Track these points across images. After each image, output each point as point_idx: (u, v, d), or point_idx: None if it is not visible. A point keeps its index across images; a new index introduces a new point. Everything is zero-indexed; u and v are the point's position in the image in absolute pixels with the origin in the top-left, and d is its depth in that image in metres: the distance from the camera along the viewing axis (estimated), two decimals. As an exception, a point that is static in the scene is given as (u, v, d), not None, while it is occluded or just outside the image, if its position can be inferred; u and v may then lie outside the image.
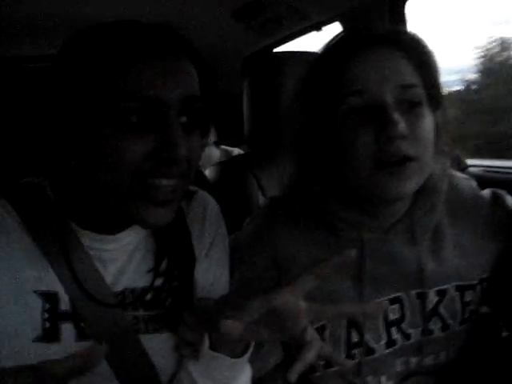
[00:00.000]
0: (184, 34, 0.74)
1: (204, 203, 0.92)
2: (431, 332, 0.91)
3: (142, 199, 0.70)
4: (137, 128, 0.67)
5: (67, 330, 0.75)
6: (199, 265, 0.87)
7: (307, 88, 0.91)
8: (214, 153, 2.35)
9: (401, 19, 1.59)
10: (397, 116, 0.78)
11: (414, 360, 0.92)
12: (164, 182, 0.70)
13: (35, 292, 0.74)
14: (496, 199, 0.97)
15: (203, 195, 0.94)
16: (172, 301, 0.83)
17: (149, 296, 0.81)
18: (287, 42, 2.09)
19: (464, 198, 0.97)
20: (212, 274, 0.89)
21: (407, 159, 0.79)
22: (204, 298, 0.84)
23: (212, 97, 0.80)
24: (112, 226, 0.79)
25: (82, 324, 0.76)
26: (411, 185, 0.81)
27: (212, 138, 2.32)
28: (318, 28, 1.88)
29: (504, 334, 1.01)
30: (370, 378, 0.91)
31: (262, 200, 1.45)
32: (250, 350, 0.77)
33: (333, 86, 0.84)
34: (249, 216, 1.03)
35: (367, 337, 0.89)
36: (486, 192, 0.99)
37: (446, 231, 0.93)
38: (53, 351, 0.72)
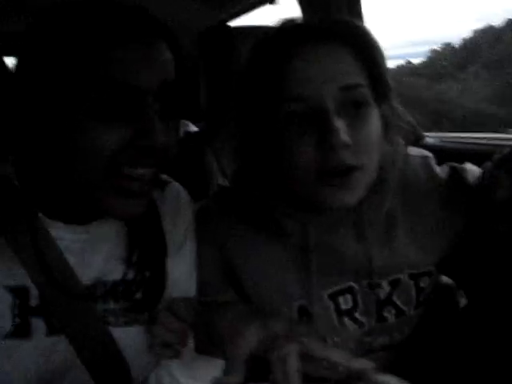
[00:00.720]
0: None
1: (177, 195, 0.91)
2: (385, 319, 0.90)
3: (115, 190, 0.69)
4: (111, 116, 0.65)
5: (38, 325, 0.73)
6: (171, 258, 0.85)
7: (246, 85, 0.85)
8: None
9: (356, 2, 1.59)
10: (339, 123, 0.73)
11: (367, 340, 0.92)
12: (140, 171, 0.69)
13: (5, 287, 0.71)
14: (453, 176, 0.93)
15: (176, 186, 0.93)
16: (143, 293, 0.81)
17: (120, 288, 0.79)
18: (242, 15, 2.07)
19: (418, 181, 0.93)
20: (186, 270, 0.88)
21: (351, 169, 0.76)
22: (178, 298, 0.83)
23: (188, 82, 0.79)
24: (83, 216, 0.77)
25: (52, 318, 0.74)
26: (356, 195, 0.78)
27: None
28: (272, 1, 1.87)
29: (462, 302, 1.02)
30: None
31: (220, 176, 1.45)
32: None
33: (271, 89, 0.79)
34: (207, 192, 1.03)
35: (319, 327, 0.88)
36: (443, 169, 0.96)
37: (398, 220, 0.91)
38: (24, 347, 0.71)
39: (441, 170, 0.95)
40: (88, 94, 0.64)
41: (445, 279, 1.01)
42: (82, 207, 0.75)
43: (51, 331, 0.74)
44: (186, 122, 2.29)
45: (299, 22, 0.84)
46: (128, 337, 0.79)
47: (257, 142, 0.85)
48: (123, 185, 0.68)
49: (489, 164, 0.89)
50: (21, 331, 0.71)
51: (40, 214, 0.75)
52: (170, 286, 0.85)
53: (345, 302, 0.90)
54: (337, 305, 0.89)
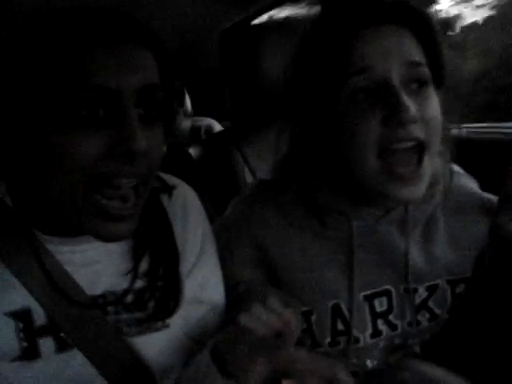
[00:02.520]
0: (158, 10, 0.71)
1: (184, 197, 0.87)
2: (418, 323, 0.90)
3: (97, 213, 0.65)
4: (89, 122, 0.62)
5: (46, 344, 0.70)
6: (189, 264, 0.83)
7: (302, 69, 0.84)
8: (184, 125, 2.28)
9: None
10: (406, 98, 0.72)
11: (397, 340, 0.91)
12: (124, 181, 0.65)
13: (6, 314, 0.69)
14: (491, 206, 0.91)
15: (183, 189, 0.89)
16: (156, 303, 0.78)
17: (130, 298, 0.77)
18: (264, 13, 2.06)
19: (461, 192, 0.94)
20: (209, 274, 0.86)
21: (421, 147, 0.75)
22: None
23: (172, 87, 0.76)
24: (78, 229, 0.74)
25: (61, 335, 0.71)
26: (424, 185, 0.77)
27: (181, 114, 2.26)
28: (294, -2, 1.85)
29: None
30: (355, 361, 0.90)
31: (248, 175, 1.45)
32: None
33: (335, 65, 0.77)
34: (236, 193, 1.02)
35: (352, 326, 0.88)
36: (487, 195, 0.95)
37: (439, 223, 0.91)
38: (34, 368, 0.69)
39: (485, 195, 0.96)
40: (66, 100, 0.61)
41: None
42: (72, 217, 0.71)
43: (61, 348, 0.71)
44: (211, 120, 2.29)
45: (363, 2, 0.83)
46: (144, 345, 0.77)
47: (312, 127, 0.84)
48: (104, 205, 0.65)
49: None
50: (29, 354, 0.69)
51: (35, 231, 0.72)
52: (195, 292, 0.84)
53: (380, 305, 0.89)
54: (372, 307, 0.88)
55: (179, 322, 0.81)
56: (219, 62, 1.68)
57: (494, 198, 0.93)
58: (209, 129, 2.26)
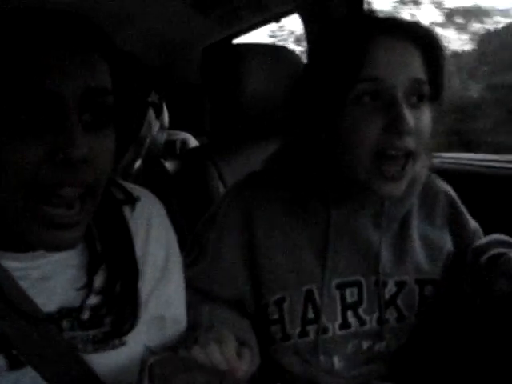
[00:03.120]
0: (142, 24, 0.68)
1: (149, 210, 0.84)
2: (387, 321, 0.94)
3: (40, 221, 0.62)
4: (28, 128, 0.58)
5: None
6: (145, 280, 0.80)
7: (315, 70, 0.91)
8: (159, 137, 2.27)
9: (359, 11, 1.60)
10: (407, 111, 0.79)
11: (365, 344, 0.94)
12: (67, 189, 0.61)
13: None
14: (448, 194, 1.02)
15: (149, 201, 0.85)
16: (113, 319, 0.74)
17: (86, 314, 0.73)
18: (246, 33, 2.09)
19: (433, 191, 1.00)
20: (174, 292, 0.85)
21: (409, 155, 0.81)
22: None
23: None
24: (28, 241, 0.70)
25: (13, 352, 0.68)
26: (404, 185, 0.84)
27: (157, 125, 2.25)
28: (276, 19, 1.88)
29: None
30: (322, 358, 0.93)
31: (223, 191, 1.45)
32: None
33: (347, 69, 0.82)
34: (210, 207, 1.03)
35: (323, 314, 0.91)
36: (444, 185, 1.04)
37: (413, 223, 0.96)
38: None
39: (444, 186, 1.03)
40: (3, 104, 0.58)
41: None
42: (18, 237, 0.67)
43: (13, 366, 0.68)
44: (187, 135, 2.29)
45: (377, 15, 0.90)
46: (101, 362, 0.73)
47: (316, 124, 0.89)
48: (47, 213, 0.61)
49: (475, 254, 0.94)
50: None
51: None
52: (159, 310, 0.82)
53: (351, 295, 0.93)
54: (343, 296, 0.92)
55: (138, 339, 0.78)
56: (200, 77, 1.69)
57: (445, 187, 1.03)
58: (184, 143, 2.25)
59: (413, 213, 0.97)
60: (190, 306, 0.88)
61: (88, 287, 0.73)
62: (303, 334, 0.92)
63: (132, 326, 0.76)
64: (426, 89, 0.83)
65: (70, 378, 0.71)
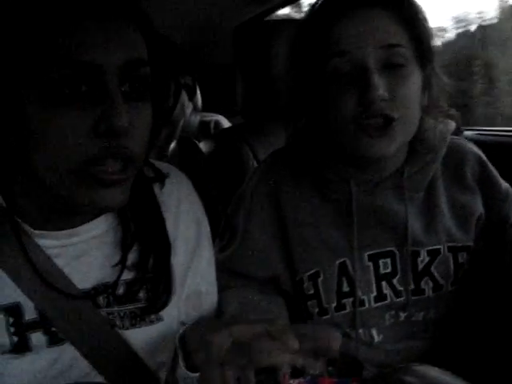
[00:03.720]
0: (173, 5, 0.68)
1: (179, 188, 0.85)
2: (422, 292, 0.93)
3: (90, 182, 0.63)
4: (72, 100, 0.59)
5: (37, 338, 0.70)
6: (177, 256, 0.81)
7: (295, 50, 0.93)
8: (192, 119, 2.27)
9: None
10: (377, 79, 0.80)
11: (402, 315, 0.94)
12: (110, 161, 0.62)
13: None
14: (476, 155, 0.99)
15: (178, 178, 0.86)
16: (148, 294, 0.76)
17: (121, 290, 0.75)
18: (278, 10, 2.06)
19: (460, 155, 0.98)
20: (201, 267, 0.85)
21: (389, 120, 0.81)
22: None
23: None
24: (71, 220, 0.73)
25: (52, 328, 0.70)
26: (394, 145, 0.84)
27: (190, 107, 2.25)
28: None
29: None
30: (361, 331, 0.93)
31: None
32: None
33: (318, 48, 0.85)
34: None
35: (358, 287, 0.91)
36: (473, 148, 1.01)
37: (440, 190, 0.95)
38: (25, 361, 0.69)
39: (477, 153, 1.00)
40: (47, 77, 0.58)
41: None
42: (68, 209, 0.70)
43: (53, 342, 0.71)
44: (220, 116, 2.29)
45: None
46: (137, 338, 0.75)
47: (305, 101, 0.92)
48: (95, 174, 0.62)
49: None
50: (20, 348, 0.69)
51: (25, 226, 0.70)
52: (196, 285, 0.84)
53: (384, 266, 0.93)
54: (376, 267, 0.93)
55: (174, 314, 0.80)
56: (232, 57, 1.68)
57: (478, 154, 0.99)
58: (218, 125, 2.26)
59: (438, 179, 0.96)
60: (220, 291, 0.89)
61: (122, 263, 0.75)
62: (340, 307, 0.92)
63: (166, 301, 0.78)
64: (404, 52, 0.83)
65: (109, 354, 0.73)
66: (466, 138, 1.06)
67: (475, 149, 1.00)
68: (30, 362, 0.69)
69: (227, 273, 0.95)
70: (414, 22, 0.85)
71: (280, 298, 0.96)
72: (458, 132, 0.99)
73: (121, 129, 0.60)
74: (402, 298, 0.93)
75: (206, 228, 0.88)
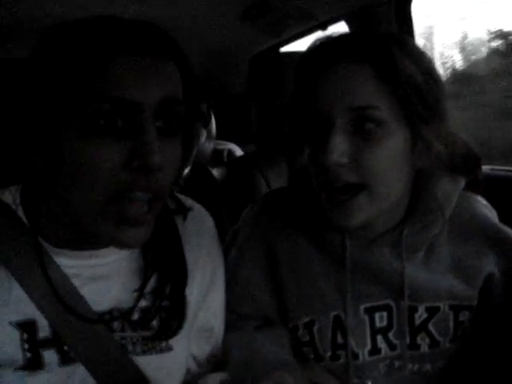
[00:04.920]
0: (190, 33, 0.70)
1: (200, 221, 0.87)
2: (418, 346, 0.89)
3: (115, 218, 0.64)
4: (107, 132, 0.61)
5: (50, 356, 0.70)
6: (193, 287, 0.82)
7: (292, 98, 0.90)
8: (206, 147, 2.30)
9: (407, 18, 1.59)
10: (337, 142, 0.77)
11: (397, 363, 0.91)
12: (139, 194, 0.64)
13: (11, 323, 0.69)
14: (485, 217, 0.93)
15: (200, 213, 0.89)
16: (161, 322, 0.78)
17: (136, 316, 0.76)
18: (293, 41, 2.09)
19: (467, 214, 0.92)
20: (214, 303, 0.87)
21: (352, 187, 0.78)
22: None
23: (196, 102, 0.75)
24: (91, 243, 0.73)
25: (65, 348, 0.71)
26: (360, 217, 0.80)
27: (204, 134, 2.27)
28: (323, 27, 1.88)
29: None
30: (356, 381, 0.90)
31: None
32: None
33: (304, 100, 0.83)
34: None
35: (352, 341, 0.89)
36: (482, 208, 0.95)
37: (442, 248, 0.90)
38: (37, 378, 0.69)
39: (491, 215, 0.94)
40: (85, 110, 0.60)
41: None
42: (88, 234, 0.70)
43: (64, 361, 0.71)
44: (233, 145, 2.31)
45: (327, 40, 0.85)
46: (148, 364, 0.76)
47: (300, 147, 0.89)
48: (124, 212, 0.64)
49: None
50: (33, 364, 0.69)
51: (44, 243, 0.72)
52: (208, 320, 0.85)
53: (380, 320, 0.90)
54: (372, 321, 0.89)
55: (184, 345, 0.81)
56: (247, 86, 1.71)
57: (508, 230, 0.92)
58: (231, 153, 2.28)
59: (442, 236, 0.90)
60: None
61: (141, 290, 0.76)
62: (334, 357, 0.90)
63: (177, 330, 0.78)
64: (377, 114, 0.77)
65: (119, 378, 0.73)
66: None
67: (484, 209, 0.94)
68: (43, 381, 0.69)
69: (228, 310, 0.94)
70: (396, 78, 0.77)
71: (285, 338, 0.93)
72: (475, 188, 0.94)
73: (154, 166, 0.61)
74: (396, 352, 0.90)
75: (221, 265, 0.90)
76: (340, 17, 1.73)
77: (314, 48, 0.85)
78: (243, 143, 2.39)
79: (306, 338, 0.91)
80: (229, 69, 2.32)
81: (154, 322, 0.77)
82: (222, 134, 2.28)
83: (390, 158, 0.79)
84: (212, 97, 1.86)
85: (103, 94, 0.60)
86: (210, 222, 0.90)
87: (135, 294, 0.76)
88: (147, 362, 0.76)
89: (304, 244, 0.92)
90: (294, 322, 0.91)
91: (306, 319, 0.90)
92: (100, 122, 0.60)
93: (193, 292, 0.82)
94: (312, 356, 0.92)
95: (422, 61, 0.81)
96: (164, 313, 0.78)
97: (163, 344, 0.78)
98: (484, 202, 0.96)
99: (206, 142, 2.17)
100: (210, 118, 1.96)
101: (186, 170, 1.60)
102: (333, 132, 0.77)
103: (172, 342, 0.78)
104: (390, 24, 1.56)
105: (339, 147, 0.77)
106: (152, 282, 0.78)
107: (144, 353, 0.76)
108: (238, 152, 2.30)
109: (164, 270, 0.78)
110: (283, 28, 1.87)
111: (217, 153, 2.22)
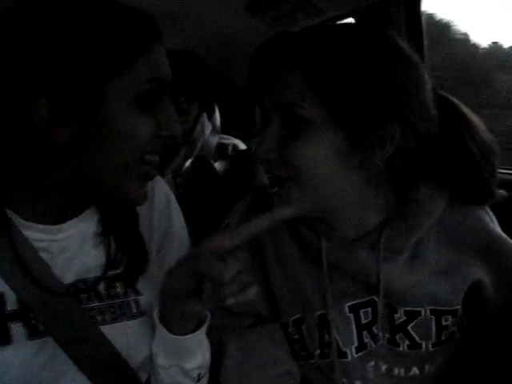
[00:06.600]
0: (196, 25, 0.76)
1: (152, 185, 0.87)
2: (397, 344, 0.90)
3: (138, 176, 0.73)
4: (145, 107, 0.70)
5: (17, 329, 0.71)
6: (154, 241, 0.87)
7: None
8: (211, 140, 2.29)
9: (416, 14, 1.58)
10: (268, 136, 0.80)
11: (383, 367, 0.91)
12: (157, 157, 0.74)
13: None
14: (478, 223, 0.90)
15: (155, 181, 0.88)
16: (125, 289, 0.81)
17: (101, 286, 0.79)
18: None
19: (458, 219, 0.89)
20: (173, 246, 0.90)
21: (281, 180, 0.82)
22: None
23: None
24: (58, 216, 0.76)
25: (32, 321, 0.72)
26: (291, 209, 0.82)
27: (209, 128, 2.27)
28: (332, 23, 1.87)
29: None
30: (344, 380, 0.91)
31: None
32: (205, 327, 0.78)
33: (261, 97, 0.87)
34: None
35: (339, 339, 0.89)
36: (475, 214, 0.91)
37: (428, 252, 0.88)
38: (6, 353, 0.69)
39: (492, 225, 0.91)
40: (135, 88, 0.68)
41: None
42: (58, 205, 0.75)
43: (32, 334, 0.72)
44: (238, 141, 2.31)
45: (272, 38, 0.88)
46: (117, 332, 0.78)
47: None
48: (144, 170, 0.73)
49: None
50: (1, 338, 0.70)
51: (13, 216, 0.73)
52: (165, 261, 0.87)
53: (365, 316, 0.90)
54: (357, 318, 0.90)
55: (153, 293, 0.81)
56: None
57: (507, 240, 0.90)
58: (236, 148, 2.27)
59: (428, 240, 0.88)
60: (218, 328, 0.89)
61: (106, 259, 0.80)
62: (323, 355, 0.90)
63: (141, 270, 0.83)
64: (302, 112, 0.78)
65: (89, 349, 0.75)
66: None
67: (476, 215, 0.90)
68: (13, 354, 0.70)
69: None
70: (325, 80, 0.77)
71: (278, 335, 0.93)
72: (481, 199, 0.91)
73: (178, 136, 0.74)
74: (379, 343, 0.90)
75: (179, 221, 0.94)
76: (348, 13, 1.73)
77: (260, 45, 0.89)
78: (247, 137, 2.38)
79: (296, 336, 0.92)
80: (232, 61, 2.31)
81: (120, 291, 0.80)
82: (227, 128, 2.28)
83: (318, 157, 0.79)
84: (216, 89, 1.85)
85: (147, 75, 0.69)
86: (165, 193, 0.93)
87: (99, 264, 0.79)
88: (117, 331, 0.78)
89: (289, 243, 0.92)
90: (284, 318, 0.92)
91: (295, 316, 0.91)
92: (147, 100, 0.69)
93: (153, 246, 0.87)
94: (303, 353, 0.92)
95: (371, 64, 0.77)
96: (127, 280, 0.82)
97: (132, 310, 0.80)
98: (486, 209, 0.93)
99: (211, 135, 2.16)
100: (214, 109, 1.95)
101: (188, 163, 1.60)
102: (266, 127, 0.82)
103: (140, 286, 0.82)
104: (398, 22, 1.55)
105: (268, 143, 0.81)
106: (114, 251, 0.81)
107: (114, 320, 0.78)
108: (243, 147, 2.29)
109: (122, 240, 0.83)
110: (291, 22, 1.85)
111: (221, 147, 2.22)
